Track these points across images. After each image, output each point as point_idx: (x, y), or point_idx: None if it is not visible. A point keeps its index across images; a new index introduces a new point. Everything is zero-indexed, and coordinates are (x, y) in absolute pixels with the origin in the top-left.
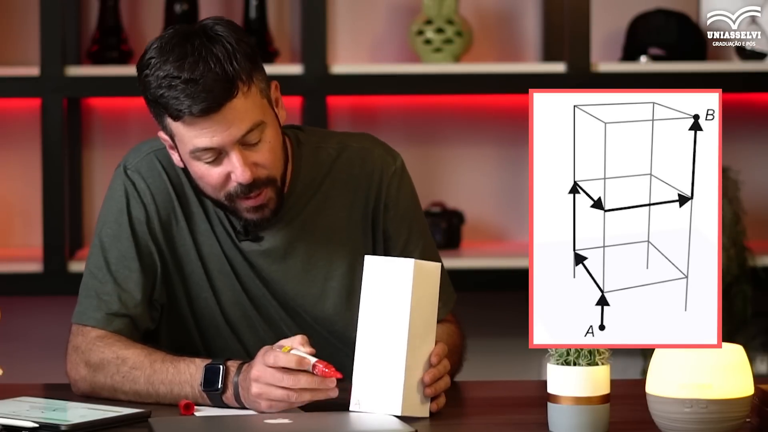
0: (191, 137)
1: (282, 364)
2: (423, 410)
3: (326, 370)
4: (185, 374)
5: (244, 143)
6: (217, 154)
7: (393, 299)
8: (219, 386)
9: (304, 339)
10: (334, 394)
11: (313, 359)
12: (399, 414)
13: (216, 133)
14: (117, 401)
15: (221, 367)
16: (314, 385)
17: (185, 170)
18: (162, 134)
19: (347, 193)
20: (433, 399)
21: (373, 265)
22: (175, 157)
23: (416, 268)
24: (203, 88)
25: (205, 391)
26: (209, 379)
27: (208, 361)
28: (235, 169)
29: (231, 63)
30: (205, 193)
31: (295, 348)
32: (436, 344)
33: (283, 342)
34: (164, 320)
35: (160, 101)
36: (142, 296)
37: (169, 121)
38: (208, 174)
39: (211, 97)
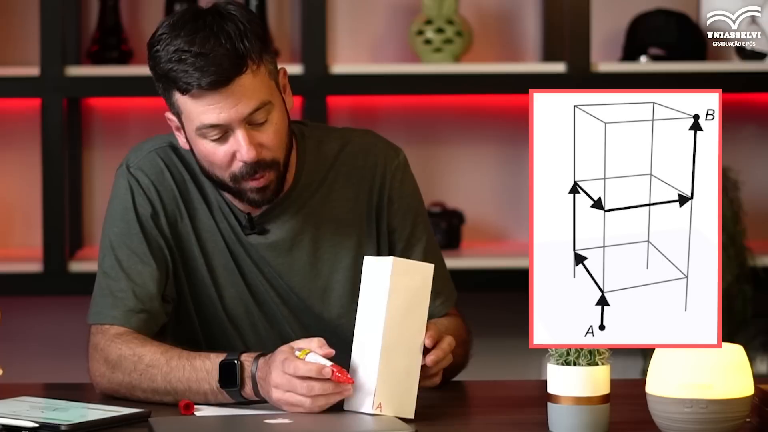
0: (198, 113)
1: (302, 374)
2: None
3: (340, 376)
4: (202, 371)
5: (250, 122)
6: (223, 132)
7: (412, 302)
8: (237, 383)
9: (322, 341)
10: (348, 393)
11: (329, 363)
12: (412, 417)
13: (223, 109)
14: (136, 401)
15: (236, 362)
16: (328, 391)
17: (188, 167)
18: (169, 115)
19: (351, 186)
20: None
21: (396, 267)
22: (181, 139)
23: (431, 271)
24: (213, 61)
25: (224, 389)
26: (226, 376)
27: (223, 356)
28: (240, 148)
29: (242, 41)
30: (209, 173)
31: (313, 351)
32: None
33: (300, 344)
34: (171, 317)
35: (170, 75)
36: (157, 290)
37: (177, 96)
38: (213, 153)
39: (220, 71)
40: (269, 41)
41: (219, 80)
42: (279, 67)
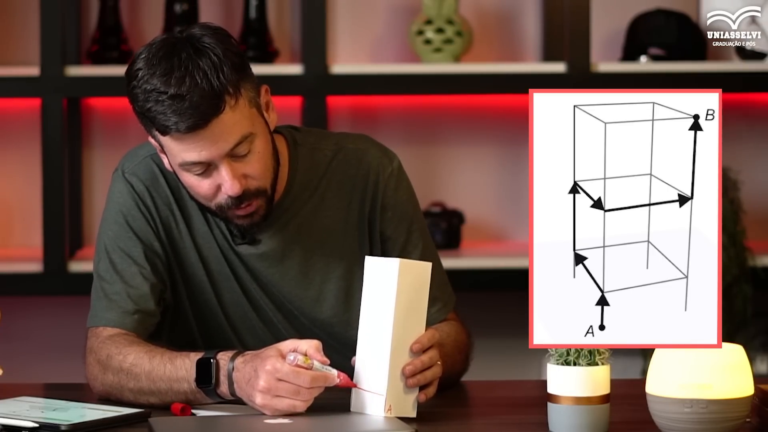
0: (179, 151)
1: (319, 384)
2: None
3: (344, 382)
4: (181, 370)
5: (233, 155)
6: (206, 167)
7: (414, 302)
8: (212, 382)
9: (318, 344)
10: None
11: (334, 371)
12: (414, 416)
13: (204, 147)
14: (127, 403)
15: (212, 361)
16: (320, 391)
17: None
18: (152, 140)
19: (343, 194)
20: (421, 388)
21: (401, 269)
22: (165, 161)
23: (429, 269)
24: (190, 104)
25: (200, 388)
26: (202, 374)
27: (201, 354)
28: (225, 182)
29: (217, 76)
30: (194, 199)
31: (313, 359)
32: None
33: (289, 345)
34: (167, 321)
35: (148, 115)
36: (150, 291)
37: (156, 133)
38: (198, 185)
39: (197, 114)
40: (246, 67)
41: (197, 123)
42: (261, 85)
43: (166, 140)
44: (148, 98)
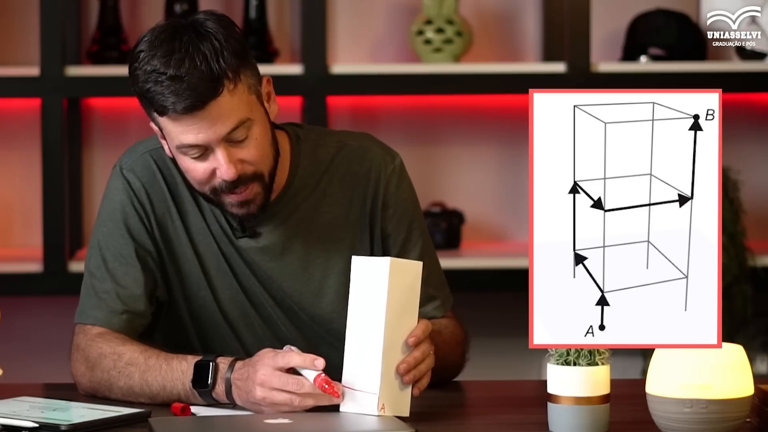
0: (177, 133)
1: (296, 364)
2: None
3: (326, 386)
4: (177, 371)
5: (230, 140)
6: (203, 150)
7: (405, 301)
8: (208, 383)
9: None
10: (338, 400)
11: (321, 374)
12: (407, 415)
13: (201, 130)
14: (113, 400)
15: (211, 363)
16: (318, 391)
17: (175, 163)
18: (152, 124)
19: (345, 190)
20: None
21: (392, 268)
22: (165, 147)
23: (420, 268)
24: (188, 85)
25: (196, 389)
26: (199, 376)
27: (199, 357)
28: (220, 166)
29: (217, 60)
30: (192, 187)
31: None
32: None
33: (294, 350)
34: (161, 319)
35: (147, 95)
36: (141, 292)
37: (155, 115)
38: (194, 168)
39: (195, 95)
40: (248, 54)
41: (194, 104)
42: (262, 75)
43: (164, 121)
44: (147, 79)
